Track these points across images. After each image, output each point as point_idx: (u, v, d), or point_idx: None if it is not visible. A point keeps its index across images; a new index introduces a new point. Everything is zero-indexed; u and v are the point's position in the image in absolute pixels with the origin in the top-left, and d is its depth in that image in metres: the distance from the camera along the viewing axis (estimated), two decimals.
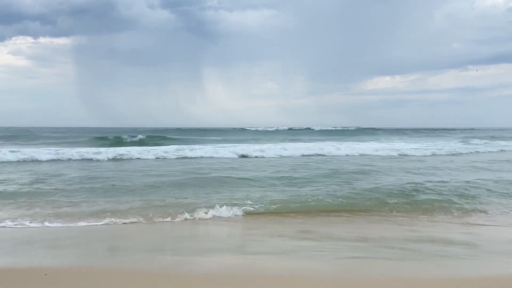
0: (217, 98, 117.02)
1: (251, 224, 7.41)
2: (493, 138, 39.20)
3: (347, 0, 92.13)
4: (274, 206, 8.30)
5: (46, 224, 7.08)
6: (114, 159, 18.51)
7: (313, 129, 63.27)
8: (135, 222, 7.23)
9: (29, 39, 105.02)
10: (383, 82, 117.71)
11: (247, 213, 7.94)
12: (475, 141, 33.68)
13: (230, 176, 12.61)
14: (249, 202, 8.52)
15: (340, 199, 8.86)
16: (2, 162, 16.91)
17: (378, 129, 62.91)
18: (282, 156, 21.09)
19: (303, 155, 21.32)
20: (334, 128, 63.79)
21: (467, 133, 56.16)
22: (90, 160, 18.07)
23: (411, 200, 8.89)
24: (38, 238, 6.39)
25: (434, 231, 6.79)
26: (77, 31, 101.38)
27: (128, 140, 32.64)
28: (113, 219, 7.27)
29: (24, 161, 17.28)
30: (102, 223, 7.14)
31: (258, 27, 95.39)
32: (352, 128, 63.46)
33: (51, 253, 5.57)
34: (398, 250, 5.66)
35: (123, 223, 7.15)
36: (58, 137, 38.35)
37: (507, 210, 8.26)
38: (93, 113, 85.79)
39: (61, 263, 5.08)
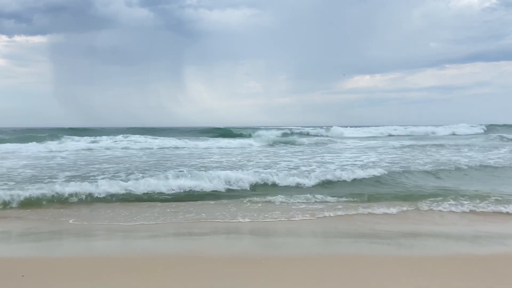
0: (199, 97, 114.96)
1: None
2: None
3: (328, 0, 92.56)
4: None
5: None
6: None
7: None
8: None
9: (4, 37, 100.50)
10: (363, 81, 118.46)
11: None
12: None
13: None
14: None
15: None
16: None
17: None
18: None
19: None
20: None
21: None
22: None
23: None
24: None
25: None
26: (54, 29, 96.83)
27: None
28: None
29: None
30: None
31: (239, 26, 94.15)
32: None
33: None
34: None
35: None
36: None
37: None
38: (72, 113, 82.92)
39: None
